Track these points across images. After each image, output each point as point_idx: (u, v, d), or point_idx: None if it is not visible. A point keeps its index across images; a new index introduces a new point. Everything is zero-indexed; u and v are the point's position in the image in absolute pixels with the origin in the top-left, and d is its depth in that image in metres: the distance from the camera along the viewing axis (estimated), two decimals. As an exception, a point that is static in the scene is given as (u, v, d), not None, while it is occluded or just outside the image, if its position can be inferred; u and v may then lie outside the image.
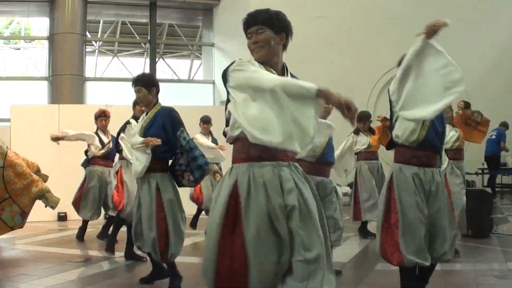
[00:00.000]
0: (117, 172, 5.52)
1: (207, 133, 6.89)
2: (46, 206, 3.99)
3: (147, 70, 13.73)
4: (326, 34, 11.16)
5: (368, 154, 6.58)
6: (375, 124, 6.88)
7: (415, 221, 3.23)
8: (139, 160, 3.93)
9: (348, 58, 11.06)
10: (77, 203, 6.51)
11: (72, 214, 8.72)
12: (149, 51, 14.05)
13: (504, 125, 10.33)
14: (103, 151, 6.38)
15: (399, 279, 3.37)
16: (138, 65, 17.61)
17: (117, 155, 5.66)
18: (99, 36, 15.81)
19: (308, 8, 11.14)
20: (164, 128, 3.96)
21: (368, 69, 11.14)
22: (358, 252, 5.71)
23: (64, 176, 8.89)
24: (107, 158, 6.51)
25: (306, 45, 11.06)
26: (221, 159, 6.56)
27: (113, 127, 9.52)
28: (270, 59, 2.34)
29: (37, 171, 4.90)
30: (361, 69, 10.88)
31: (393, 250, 3.31)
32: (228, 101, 2.29)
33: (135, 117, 5.20)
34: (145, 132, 3.98)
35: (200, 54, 15.99)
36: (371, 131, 6.59)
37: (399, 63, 3.19)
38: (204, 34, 14.58)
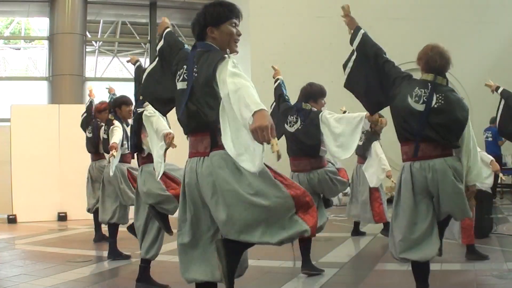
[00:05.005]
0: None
1: None
2: None
3: (147, 70, 13.69)
4: (326, 34, 11.14)
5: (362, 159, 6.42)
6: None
7: None
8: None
9: (348, 58, 11.03)
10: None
11: (72, 214, 8.74)
12: (149, 51, 14.04)
13: (494, 121, 9.92)
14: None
15: (399, 279, 3.36)
16: (138, 65, 17.59)
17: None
18: (99, 36, 15.80)
19: (308, 8, 11.11)
20: None
21: (368, 69, 11.13)
22: (358, 252, 5.70)
23: (64, 175, 8.90)
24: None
25: (306, 45, 11.04)
26: None
27: (113, 127, 9.59)
28: None
29: None
30: (361, 69, 10.87)
31: None
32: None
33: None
34: None
35: (200, 54, 15.99)
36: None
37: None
38: (204, 34, 14.57)
